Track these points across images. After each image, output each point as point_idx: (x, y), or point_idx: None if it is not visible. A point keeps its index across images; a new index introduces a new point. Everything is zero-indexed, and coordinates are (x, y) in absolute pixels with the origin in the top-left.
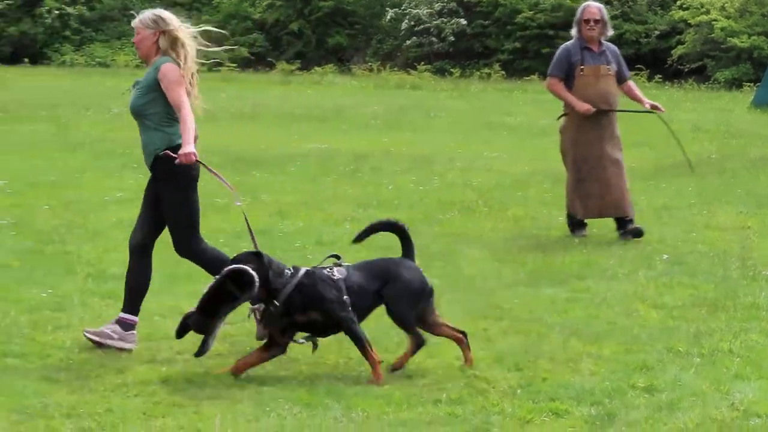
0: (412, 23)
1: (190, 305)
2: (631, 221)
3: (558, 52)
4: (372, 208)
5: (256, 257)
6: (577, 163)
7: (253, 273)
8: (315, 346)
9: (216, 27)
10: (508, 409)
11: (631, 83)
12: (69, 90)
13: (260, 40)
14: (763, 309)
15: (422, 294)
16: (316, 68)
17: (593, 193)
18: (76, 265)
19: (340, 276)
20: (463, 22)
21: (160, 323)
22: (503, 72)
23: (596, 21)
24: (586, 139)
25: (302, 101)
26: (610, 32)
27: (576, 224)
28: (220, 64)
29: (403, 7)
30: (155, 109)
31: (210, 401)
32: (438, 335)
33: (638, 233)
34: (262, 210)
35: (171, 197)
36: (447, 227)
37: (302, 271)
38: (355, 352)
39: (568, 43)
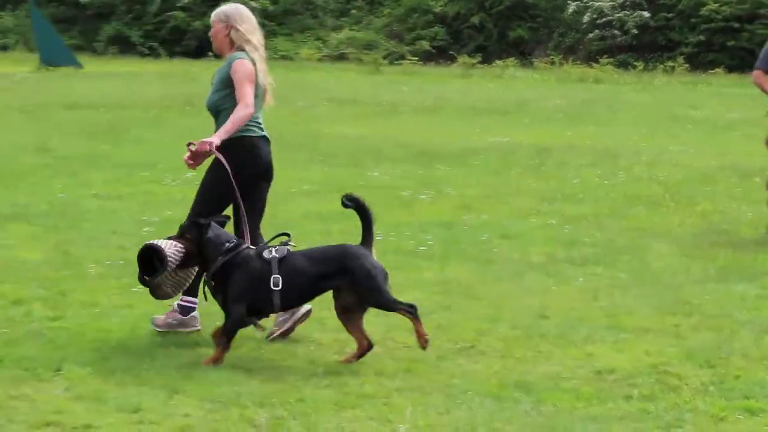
0: (595, 16)
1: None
2: None
3: (766, 44)
4: (557, 201)
5: (196, 227)
6: None
7: (165, 254)
8: (257, 326)
9: (398, 21)
10: (700, 407)
11: None
12: None
13: (441, 34)
14: None
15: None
16: (497, 62)
17: None
18: None
19: (278, 255)
20: (646, 14)
21: None
22: (687, 65)
23: None
24: None
25: (483, 95)
26: None
27: None
28: (401, 58)
29: (585, 0)
30: (230, 104)
31: (399, 393)
32: (349, 331)
33: None
34: (446, 203)
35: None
36: (633, 222)
37: (240, 247)
38: (545, 347)
39: None
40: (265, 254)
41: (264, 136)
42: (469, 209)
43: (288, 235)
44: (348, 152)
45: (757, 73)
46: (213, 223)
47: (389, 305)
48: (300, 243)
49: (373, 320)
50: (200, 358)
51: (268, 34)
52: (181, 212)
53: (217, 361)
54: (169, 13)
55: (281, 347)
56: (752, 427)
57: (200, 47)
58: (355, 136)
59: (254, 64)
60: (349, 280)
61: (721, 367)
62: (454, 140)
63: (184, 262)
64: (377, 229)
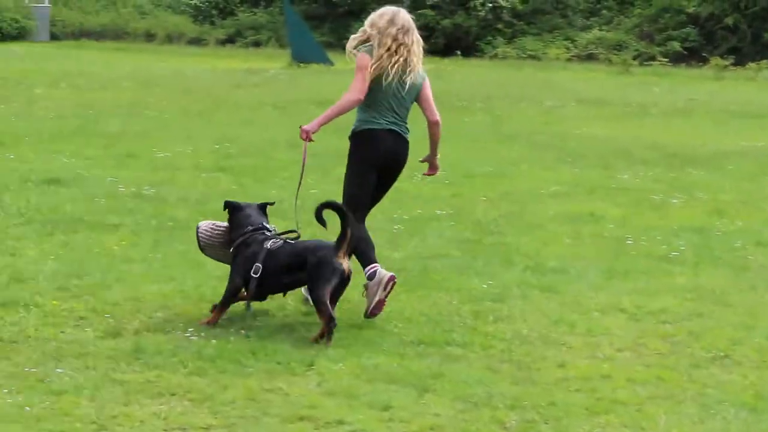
0: None
1: (630, 302)
2: None
3: None
4: None
5: (232, 207)
6: None
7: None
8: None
9: (648, 21)
10: None
11: None
12: (502, 82)
13: (693, 35)
14: None
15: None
16: (751, 64)
17: None
18: (514, 257)
19: (271, 247)
20: None
21: (599, 319)
22: None
23: None
24: None
25: (736, 97)
26: None
27: None
28: (652, 59)
29: None
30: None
31: (651, 400)
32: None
33: None
34: (698, 208)
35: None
36: None
37: (256, 232)
38: None
39: None
40: (266, 243)
41: (389, 129)
42: (722, 214)
43: (296, 231)
44: (597, 153)
45: None
46: (245, 207)
47: (317, 303)
48: (548, 245)
49: (624, 325)
50: (450, 357)
51: (517, 34)
52: (430, 210)
53: (210, 323)
54: (419, 11)
55: (530, 349)
56: None
57: (448, 45)
58: (603, 137)
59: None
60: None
61: None
62: (706, 143)
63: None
64: (628, 233)
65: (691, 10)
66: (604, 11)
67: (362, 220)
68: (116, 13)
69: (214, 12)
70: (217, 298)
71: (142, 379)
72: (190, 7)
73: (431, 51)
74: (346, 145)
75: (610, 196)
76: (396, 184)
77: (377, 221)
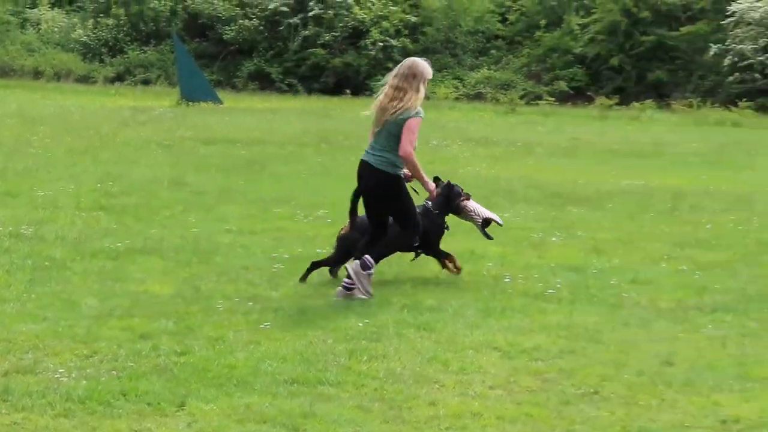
0: (736, 59)
1: (505, 339)
2: None
3: None
4: (690, 247)
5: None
6: None
7: None
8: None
9: (536, 61)
10: None
11: None
12: None
13: (580, 74)
14: None
15: None
16: (635, 103)
17: None
18: (393, 296)
19: None
20: None
21: (473, 357)
22: None
23: None
24: None
25: (620, 136)
26: None
27: None
28: (538, 98)
29: (727, 43)
30: None
31: None
32: None
33: None
34: (577, 246)
35: None
36: (767, 269)
37: None
38: (670, 394)
39: None
40: None
41: (362, 159)
42: (599, 253)
43: None
44: (480, 192)
45: None
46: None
47: None
48: (429, 283)
49: (497, 362)
50: (322, 396)
51: None
52: (311, 249)
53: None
54: (310, 50)
55: (402, 388)
56: None
57: (338, 84)
58: (488, 176)
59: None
60: None
61: None
62: (589, 182)
63: None
64: (507, 271)
65: (578, 50)
66: (494, 51)
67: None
68: (3, 50)
69: (103, 50)
70: (91, 338)
71: (9, 421)
72: (79, 44)
73: (321, 90)
74: (232, 183)
75: (492, 234)
76: (278, 223)
77: (257, 259)
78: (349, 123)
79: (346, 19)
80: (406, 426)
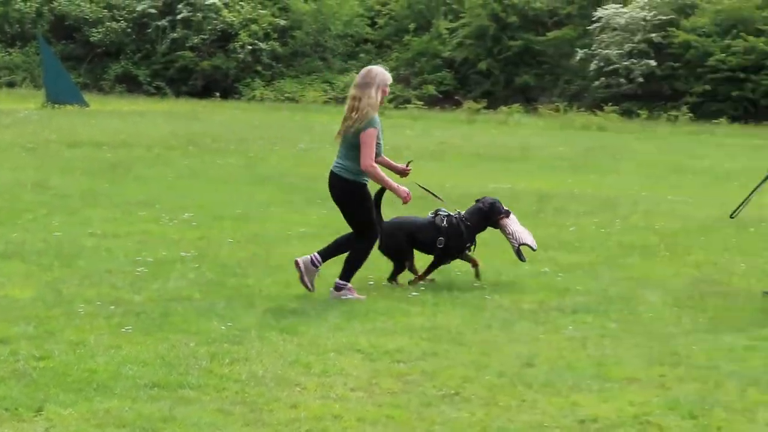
0: (602, 64)
1: (368, 342)
2: None
3: None
4: (552, 249)
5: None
6: None
7: None
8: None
9: (405, 65)
10: None
11: None
12: (258, 125)
13: (448, 78)
14: None
15: None
16: (503, 107)
17: None
18: (256, 299)
19: None
20: (653, 63)
21: (335, 359)
22: (691, 114)
23: None
24: None
25: (488, 140)
26: None
27: None
28: (407, 102)
29: (593, 48)
30: None
31: None
32: None
33: None
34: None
35: None
36: (627, 271)
37: None
38: (530, 395)
39: None
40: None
41: (330, 169)
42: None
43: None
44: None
45: None
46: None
47: None
48: (291, 287)
49: (359, 365)
50: (182, 400)
51: (276, 76)
52: (176, 252)
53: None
54: (178, 53)
55: (264, 391)
56: None
57: (206, 87)
58: None
59: None
60: None
61: (703, 419)
62: (456, 186)
63: None
64: (371, 274)
65: (446, 54)
66: (363, 55)
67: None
68: None
69: None
70: None
71: None
72: None
73: (189, 93)
74: (96, 186)
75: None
76: (142, 226)
77: (120, 263)
78: (218, 126)
79: (215, 21)
80: (267, 429)
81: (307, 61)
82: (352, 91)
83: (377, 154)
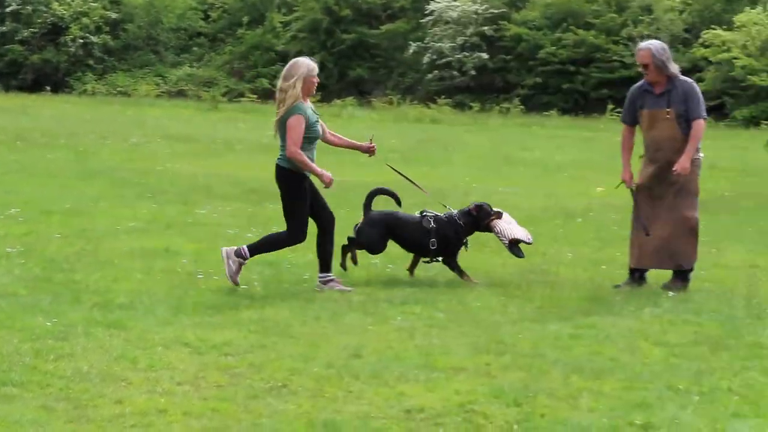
0: (435, 57)
1: (195, 335)
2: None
3: (627, 94)
4: None
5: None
6: None
7: None
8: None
9: (239, 58)
10: None
11: (696, 124)
12: (89, 119)
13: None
14: (766, 348)
15: None
16: (337, 101)
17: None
18: (83, 294)
19: None
20: (485, 56)
21: (162, 354)
22: (522, 107)
23: (645, 66)
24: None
25: None
26: (674, 68)
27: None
28: (241, 95)
29: (426, 41)
30: None
31: None
32: None
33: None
34: None
35: None
36: (462, 261)
37: None
38: (357, 386)
39: (636, 84)
40: None
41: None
42: (295, 248)
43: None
44: (178, 189)
45: (623, 129)
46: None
47: None
48: (119, 281)
49: (187, 359)
50: (5, 397)
51: (108, 70)
52: (1, 248)
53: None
54: (7, 47)
55: (88, 386)
56: None
57: (37, 81)
58: (187, 173)
59: None
60: None
61: (527, 406)
62: None
63: None
64: (200, 268)
65: (280, 47)
66: (196, 48)
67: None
68: None
69: None
70: None
71: None
72: None
73: (19, 87)
74: None
75: (187, 231)
76: None
77: None
78: (48, 120)
79: (45, 14)
80: (91, 425)
81: (140, 55)
82: (279, 84)
83: (314, 138)
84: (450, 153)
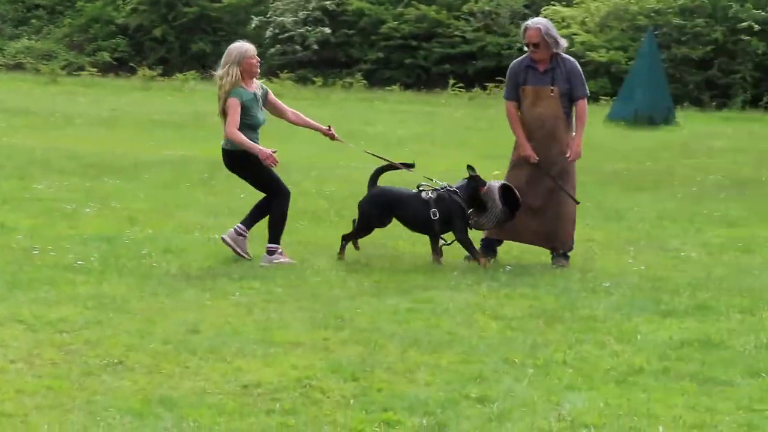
0: (277, 31)
1: (30, 312)
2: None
3: (508, 70)
4: (223, 216)
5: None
6: None
7: None
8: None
9: (79, 31)
10: (340, 420)
11: (581, 103)
12: None
13: (123, 45)
14: (600, 321)
15: None
16: (178, 74)
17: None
18: None
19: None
20: (328, 30)
21: None
22: (365, 81)
23: (535, 45)
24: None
25: (162, 107)
26: (563, 44)
27: None
28: (81, 69)
29: (268, 15)
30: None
31: (38, 410)
32: None
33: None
34: (111, 217)
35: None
36: (296, 236)
37: None
38: (194, 362)
39: (517, 59)
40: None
41: None
42: (133, 223)
43: None
44: (14, 164)
45: (507, 105)
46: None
47: None
48: None
49: (21, 335)
50: None
51: None
52: None
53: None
54: None
55: None
56: None
57: None
58: (23, 147)
59: None
60: None
61: (365, 380)
62: (127, 153)
63: None
64: (36, 243)
65: (120, 20)
66: (34, 20)
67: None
68: None
69: None
70: None
71: None
72: None
73: None
74: None
75: (23, 206)
76: None
77: None
78: None
79: None
80: None
81: None
82: (218, 71)
83: (256, 125)
84: (293, 127)
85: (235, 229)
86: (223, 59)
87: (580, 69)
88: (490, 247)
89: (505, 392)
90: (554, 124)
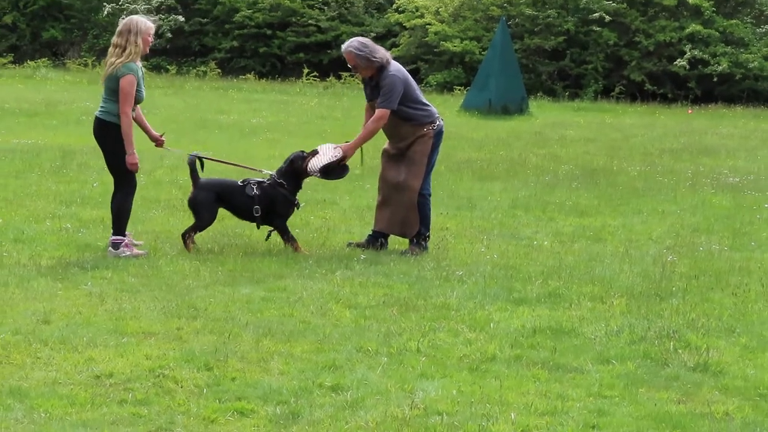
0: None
1: None
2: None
3: (397, 84)
4: (75, 205)
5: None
6: None
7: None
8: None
9: None
10: (193, 409)
11: (377, 112)
12: None
13: None
14: (453, 309)
15: None
16: (30, 62)
17: None
18: None
19: None
20: (181, 19)
21: None
22: (219, 70)
23: (355, 67)
24: None
25: (12, 95)
26: (382, 58)
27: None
28: None
29: (120, 3)
30: None
31: None
32: None
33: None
34: None
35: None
36: (149, 225)
37: None
38: (45, 352)
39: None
40: None
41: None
42: None
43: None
44: None
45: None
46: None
47: None
48: None
49: None
50: None
51: None
52: None
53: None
54: None
55: None
56: (242, 428)
57: None
58: None
59: None
60: None
61: (218, 370)
62: None
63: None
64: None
65: None
66: None
67: None
68: None
69: None
70: None
71: None
72: None
73: None
74: None
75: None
76: None
77: None
78: None
79: None
80: None
81: None
82: (114, 40)
83: (138, 100)
84: (147, 116)
85: (125, 242)
86: (122, 27)
87: (392, 83)
88: (376, 237)
89: (359, 381)
90: (394, 132)
